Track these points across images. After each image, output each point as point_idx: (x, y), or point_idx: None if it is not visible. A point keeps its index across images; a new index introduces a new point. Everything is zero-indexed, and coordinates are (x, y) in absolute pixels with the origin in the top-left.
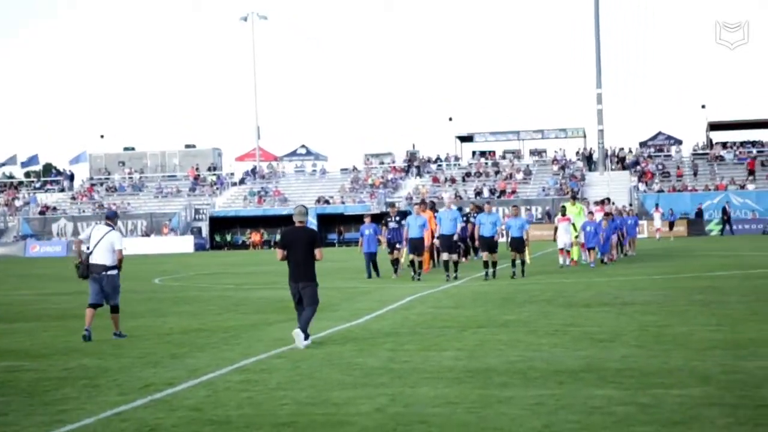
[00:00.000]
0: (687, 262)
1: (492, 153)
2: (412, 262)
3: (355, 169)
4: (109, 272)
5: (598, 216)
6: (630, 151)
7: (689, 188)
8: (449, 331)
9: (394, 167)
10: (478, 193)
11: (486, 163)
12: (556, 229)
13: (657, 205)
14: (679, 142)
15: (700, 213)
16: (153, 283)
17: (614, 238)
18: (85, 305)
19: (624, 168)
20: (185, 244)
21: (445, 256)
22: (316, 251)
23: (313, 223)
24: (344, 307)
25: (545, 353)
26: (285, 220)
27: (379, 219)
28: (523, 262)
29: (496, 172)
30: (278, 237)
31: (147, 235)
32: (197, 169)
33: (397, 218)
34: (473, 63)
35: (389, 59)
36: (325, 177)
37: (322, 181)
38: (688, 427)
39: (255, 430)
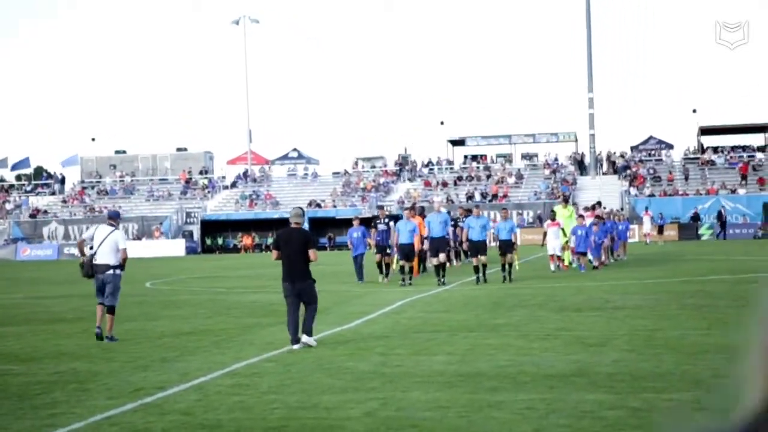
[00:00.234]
0: (678, 266)
1: (483, 157)
2: (402, 268)
3: (346, 172)
4: (113, 271)
5: (588, 220)
6: (621, 156)
7: (680, 192)
8: (440, 335)
9: (386, 171)
10: (470, 197)
11: (477, 167)
12: (545, 234)
13: (646, 209)
14: (670, 147)
15: (696, 217)
16: (144, 286)
17: (606, 242)
18: (77, 308)
19: (615, 172)
20: (176, 247)
21: (435, 260)
22: (310, 252)
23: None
24: (335, 310)
25: (536, 357)
26: (276, 224)
27: (368, 223)
28: (510, 265)
29: (488, 176)
30: (273, 239)
31: (138, 238)
32: (189, 172)
33: (386, 221)
34: (465, 67)
35: (381, 63)
36: (316, 181)
37: (313, 184)
38: None
39: None
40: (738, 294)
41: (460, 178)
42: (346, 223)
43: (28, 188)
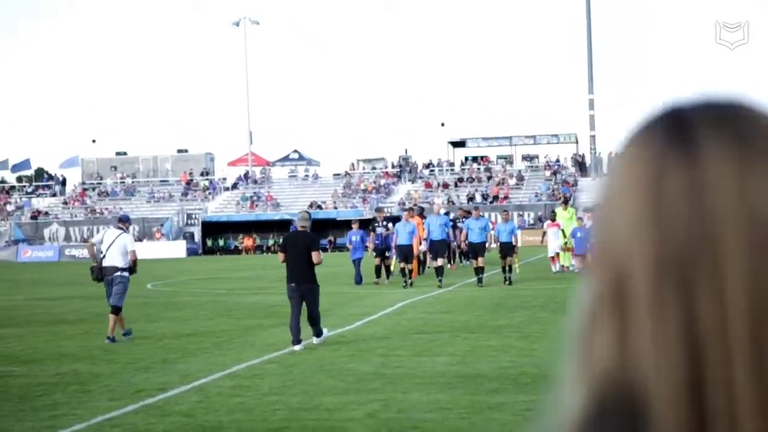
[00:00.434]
0: None
1: (484, 158)
2: (402, 270)
3: (347, 174)
4: (121, 273)
5: (588, 222)
6: None
7: None
8: (441, 336)
9: (387, 172)
10: (471, 199)
11: (478, 169)
12: (544, 233)
13: None
14: None
15: None
16: (145, 288)
17: None
18: (78, 310)
19: None
20: (177, 249)
21: (437, 261)
22: (314, 254)
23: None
24: (336, 312)
25: (537, 359)
26: (277, 226)
27: (367, 225)
28: (510, 268)
29: (489, 178)
30: (280, 241)
31: (139, 240)
32: (190, 173)
33: (385, 223)
34: (466, 68)
35: (382, 65)
36: (317, 182)
37: (314, 186)
38: None
39: None
40: None
41: (460, 180)
42: (347, 225)
43: (29, 190)
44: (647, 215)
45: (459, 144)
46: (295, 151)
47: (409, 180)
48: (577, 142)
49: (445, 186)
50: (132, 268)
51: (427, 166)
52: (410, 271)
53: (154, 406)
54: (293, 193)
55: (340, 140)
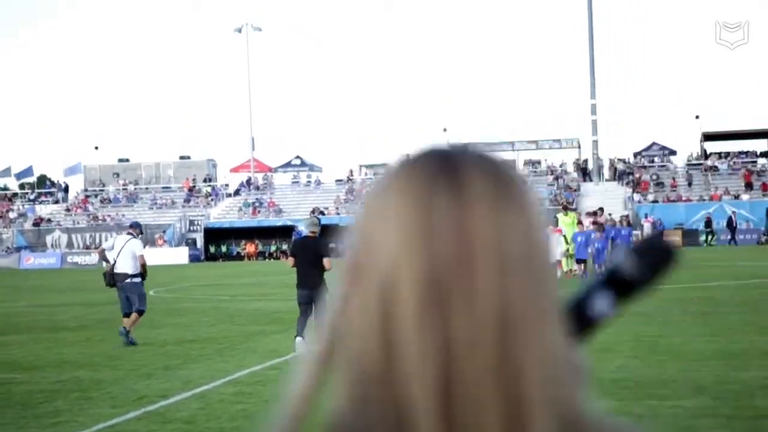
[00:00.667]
0: (681, 272)
1: None
2: None
3: (349, 179)
4: (132, 280)
5: (588, 225)
6: (624, 162)
7: (684, 199)
8: None
9: None
10: None
11: None
12: None
13: (646, 215)
14: (673, 153)
15: (709, 223)
16: (148, 294)
17: (608, 248)
18: (80, 317)
19: (616, 179)
20: (180, 255)
21: None
22: (325, 261)
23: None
24: None
25: None
26: (280, 232)
27: None
28: None
29: None
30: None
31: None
32: (192, 180)
33: None
34: (467, 74)
35: (383, 71)
36: (319, 188)
37: (316, 192)
38: None
39: None
40: (742, 300)
41: None
42: None
43: (32, 197)
44: (416, 236)
45: None
46: (298, 157)
47: None
48: (579, 147)
49: None
50: (143, 274)
51: None
52: None
53: (155, 413)
54: (295, 199)
55: (342, 146)
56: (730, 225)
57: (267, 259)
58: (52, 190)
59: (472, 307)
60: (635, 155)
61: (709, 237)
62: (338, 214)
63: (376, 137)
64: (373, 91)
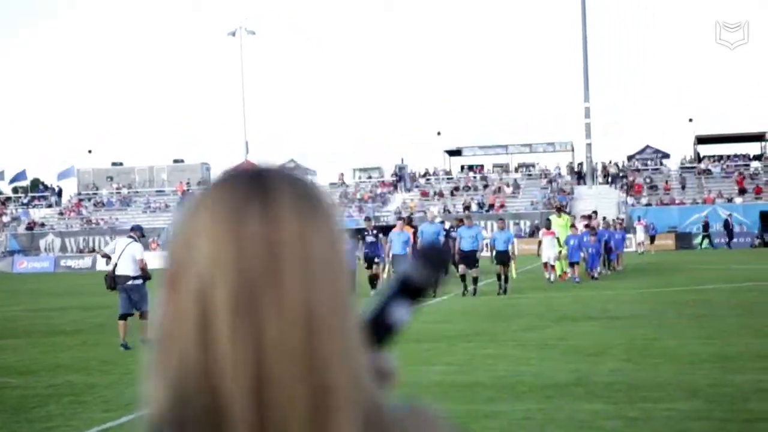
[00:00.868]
0: (675, 275)
1: (480, 167)
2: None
3: (343, 183)
4: (133, 282)
5: (581, 228)
6: (617, 165)
7: (677, 202)
8: (437, 345)
9: (383, 182)
10: (467, 207)
11: (474, 177)
12: (539, 243)
13: (639, 218)
14: (666, 156)
15: (706, 226)
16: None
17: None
18: (76, 321)
19: (609, 182)
20: None
21: None
22: None
23: None
24: None
25: (534, 367)
26: None
27: (356, 235)
28: (506, 279)
29: (485, 186)
30: None
31: None
32: (186, 184)
33: (374, 232)
34: (461, 77)
35: (377, 74)
36: None
37: None
38: None
39: None
40: (736, 303)
41: (457, 189)
42: None
43: (25, 201)
44: (228, 247)
45: (455, 153)
46: (292, 160)
47: (406, 189)
48: (573, 150)
49: (441, 195)
50: (144, 276)
51: (424, 175)
52: None
53: None
54: None
55: (336, 150)
56: (727, 227)
57: None
58: (46, 193)
59: (281, 307)
60: (629, 158)
61: (704, 240)
62: None
63: (370, 140)
64: (367, 94)
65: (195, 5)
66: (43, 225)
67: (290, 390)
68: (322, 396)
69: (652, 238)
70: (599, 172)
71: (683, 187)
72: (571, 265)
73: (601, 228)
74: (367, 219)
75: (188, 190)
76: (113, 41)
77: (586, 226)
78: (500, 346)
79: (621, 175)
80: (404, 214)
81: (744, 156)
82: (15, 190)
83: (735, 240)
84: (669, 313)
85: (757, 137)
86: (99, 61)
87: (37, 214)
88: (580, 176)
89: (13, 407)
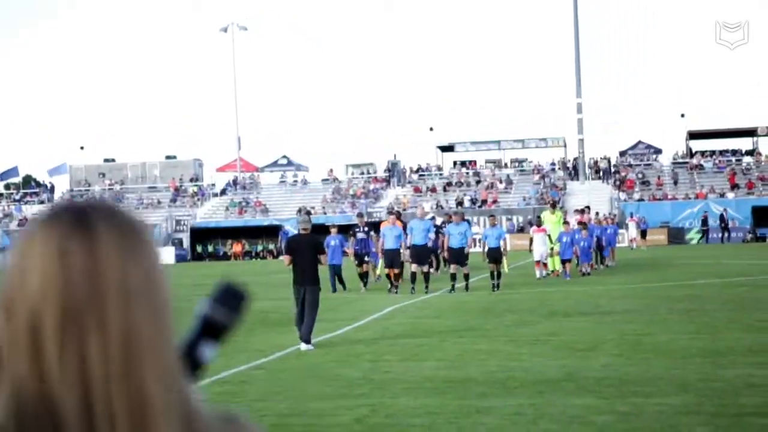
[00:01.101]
0: (666, 270)
1: (473, 163)
2: (388, 275)
3: (336, 179)
4: None
5: (574, 225)
6: (608, 160)
7: (669, 197)
8: (429, 341)
9: (376, 177)
10: (460, 203)
11: (467, 173)
12: (531, 239)
13: (632, 214)
14: (658, 151)
15: (705, 221)
16: None
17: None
18: None
19: (601, 177)
20: (166, 255)
21: (413, 267)
22: (321, 257)
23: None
24: (324, 317)
25: (525, 363)
26: (266, 231)
27: (346, 231)
28: (499, 275)
29: (477, 182)
30: (284, 244)
31: None
32: (179, 180)
33: (365, 229)
34: (454, 73)
35: (370, 70)
36: (306, 187)
37: (303, 191)
38: None
39: None
40: (727, 298)
41: (449, 184)
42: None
43: (17, 197)
44: (54, 281)
45: (447, 148)
46: (284, 156)
47: (398, 185)
48: (565, 146)
49: (434, 191)
50: None
51: (416, 170)
52: (396, 276)
53: None
54: (282, 199)
55: (329, 145)
56: (723, 222)
57: (254, 259)
58: (38, 190)
59: (103, 330)
60: (621, 154)
61: (700, 236)
62: (324, 213)
63: (362, 136)
64: (360, 90)
65: (187, 1)
66: None
67: (114, 403)
68: (141, 408)
69: (644, 233)
70: (587, 168)
71: (675, 183)
72: (563, 262)
73: (592, 223)
74: (359, 215)
75: (180, 186)
76: (105, 38)
77: (579, 222)
78: (492, 342)
79: (613, 170)
80: (396, 209)
81: (736, 151)
82: (7, 186)
83: (720, 234)
84: (660, 308)
85: (749, 132)
86: (91, 57)
87: (29, 210)
88: (573, 172)
89: None
